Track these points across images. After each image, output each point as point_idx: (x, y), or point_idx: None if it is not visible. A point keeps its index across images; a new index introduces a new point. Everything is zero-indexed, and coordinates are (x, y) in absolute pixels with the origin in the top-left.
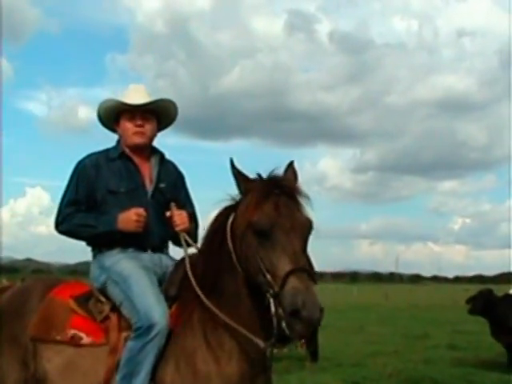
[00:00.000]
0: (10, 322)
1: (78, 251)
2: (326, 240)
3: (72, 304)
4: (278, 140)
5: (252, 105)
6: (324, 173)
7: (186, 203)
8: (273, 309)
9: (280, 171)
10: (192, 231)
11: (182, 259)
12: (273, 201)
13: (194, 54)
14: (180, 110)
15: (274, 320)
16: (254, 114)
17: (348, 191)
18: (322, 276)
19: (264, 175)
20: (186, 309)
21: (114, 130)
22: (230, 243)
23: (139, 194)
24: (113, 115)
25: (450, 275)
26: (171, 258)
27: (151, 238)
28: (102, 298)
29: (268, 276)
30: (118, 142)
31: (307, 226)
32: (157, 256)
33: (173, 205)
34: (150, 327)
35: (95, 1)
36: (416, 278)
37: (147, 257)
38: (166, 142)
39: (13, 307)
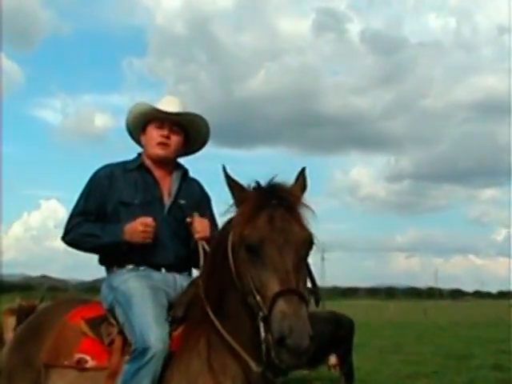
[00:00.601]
0: (26, 345)
1: (94, 267)
2: (360, 253)
3: (83, 326)
4: (306, 147)
5: (278, 110)
6: (357, 182)
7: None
8: (262, 334)
9: (283, 178)
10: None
11: (195, 278)
12: (267, 213)
13: (217, 57)
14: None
15: (263, 346)
16: (280, 120)
17: (382, 201)
18: (356, 292)
19: (263, 182)
20: (193, 331)
21: (138, 142)
22: (231, 259)
23: (155, 208)
24: (141, 122)
25: (494, 290)
26: (189, 278)
27: (165, 255)
28: (112, 320)
29: (258, 297)
30: (139, 154)
31: (305, 241)
32: (171, 276)
33: (195, 213)
34: (144, 350)
35: (111, 1)
36: (456, 294)
37: (159, 276)
38: None
39: (31, 330)
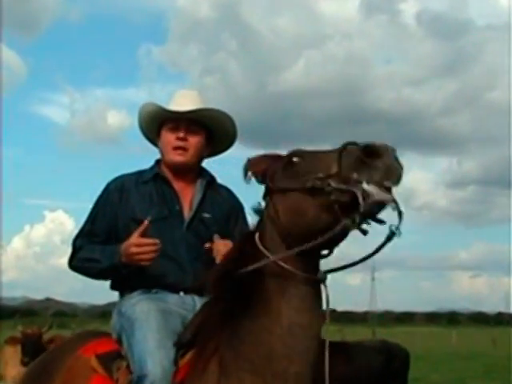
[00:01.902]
0: (39, 381)
1: (107, 289)
2: (416, 272)
3: (94, 362)
4: None
5: (320, 105)
6: (412, 188)
7: None
8: (343, 187)
9: None
10: None
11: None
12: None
13: (248, 44)
14: (231, 113)
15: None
16: (323, 117)
17: (443, 211)
18: (412, 317)
19: None
20: (202, 354)
21: (156, 144)
22: (264, 250)
23: (172, 224)
24: (154, 124)
25: None
26: None
27: (183, 278)
28: (123, 352)
29: (320, 174)
30: (157, 162)
31: None
32: (189, 298)
33: (216, 236)
34: (140, 378)
35: None
36: None
37: (175, 299)
38: None
39: (42, 366)
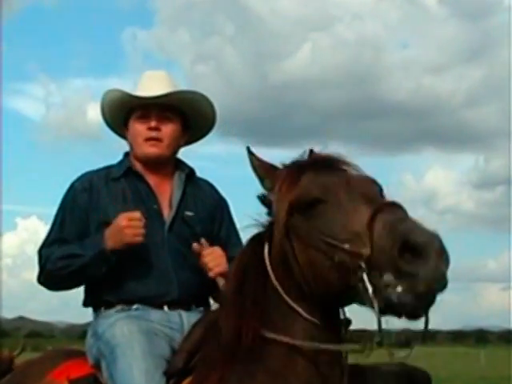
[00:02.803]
0: None
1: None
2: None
3: None
4: (366, 145)
5: (328, 97)
6: (433, 189)
7: (230, 242)
8: (369, 288)
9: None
10: None
11: (209, 312)
12: (312, 174)
13: (247, 28)
14: (228, 107)
15: (376, 304)
16: (332, 110)
17: (468, 215)
18: (435, 336)
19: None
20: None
21: (124, 136)
22: (274, 276)
23: (151, 226)
24: (120, 113)
25: None
26: (201, 313)
27: (167, 289)
28: (101, 379)
29: (346, 245)
30: (126, 154)
31: (373, 181)
32: (176, 314)
33: (203, 240)
34: None
35: None
36: None
37: (159, 316)
38: (209, 150)
39: None
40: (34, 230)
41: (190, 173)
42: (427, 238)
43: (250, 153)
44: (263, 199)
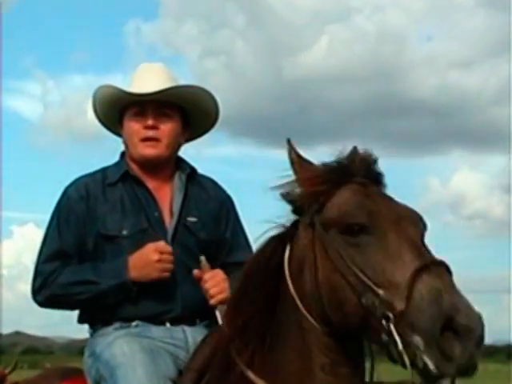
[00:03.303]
0: None
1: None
2: (467, 296)
3: None
4: (389, 146)
5: (347, 93)
6: (461, 193)
7: (236, 244)
8: (399, 344)
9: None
10: None
11: (217, 328)
12: (357, 189)
13: (259, 20)
14: (239, 105)
15: (406, 359)
16: (350, 108)
17: (498, 220)
18: None
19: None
20: None
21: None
22: (291, 284)
23: (154, 237)
24: (114, 111)
25: None
26: (208, 328)
27: (170, 304)
28: None
29: (380, 291)
30: (122, 155)
31: (419, 217)
32: (179, 330)
33: (203, 260)
34: None
35: None
36: None
37: (161, 332)
38: (218, 152)
39: None
40: (30, 238)
41: (191, 172)
42: (472, 322)
43: (290, 145)
44: (287, 196)
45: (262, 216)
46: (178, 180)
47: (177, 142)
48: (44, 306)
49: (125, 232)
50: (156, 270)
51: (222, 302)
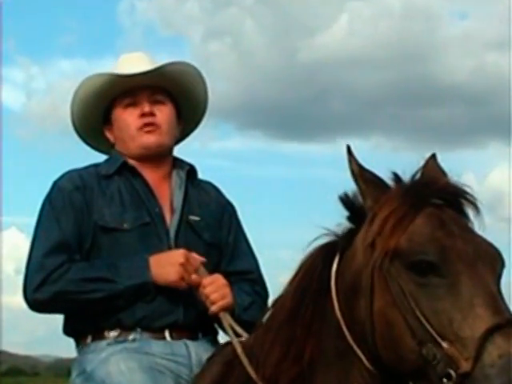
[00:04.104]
0: None
1: None
2: None
3: None
4: (418, 137)
5: (370, 79)
6: (500, 191)
7: (238, 255)
8: None
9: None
10: (241, 307)
11: (225, 345)
12: (432, 214)
13: None
14: (247, 92)
15: None
16: (375, 95)
17: None
18: None
19: (404, 177)
20: None
21: (97, 146)
22: (337, 305)
23: (156, 233)
24: (98, 110)
25: None
26: (212, 344)
27: (172, 308)
28: None
29: (444, 344)
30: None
31: (498, 257)
32: (181, 344)
33: (200, 265)
34: None
35: None
36: None
37: (161, 348)
38: (224, 146)
39: None
40: (13, 243)
41: (191, 170)
42: None
43: (351, 155)
44: (346, 200)
45: (274, 218)
46: (177, 177)
47: (174, 132)
48: (43, 307)
49: (126, 225)
50: (176, 273)
51: (224, 309)
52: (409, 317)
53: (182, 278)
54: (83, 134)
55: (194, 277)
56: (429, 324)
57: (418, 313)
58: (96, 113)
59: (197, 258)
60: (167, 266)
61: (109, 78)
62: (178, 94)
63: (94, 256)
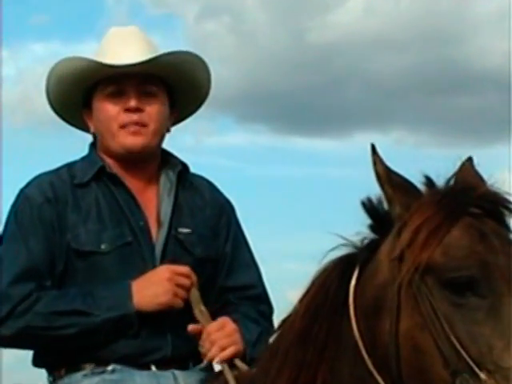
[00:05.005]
0: None
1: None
2: None
3: None
4: (446, 130)
5: (392, 63)
6: None
7: (238, 267)
8: None
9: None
10: (250, 344)
11: (219, 374)
12: (470, 225)
13: None
14: (249, 79)
15: None
16: (397, 81)
17: None
18: None
19: (437, 181)
20: None
21: (79, 126)
22: (356, 325)
23: (139, 252)
24: (77, 92)
25: None
26: (204, 373)
27: (158, 343)
28: None
29: (482, 375)
30: (92, 147)
31: None
32: (168, 375)
33: (197, 312)
34: None
35: None
36: None
37: (145, 379)
38: (224, 142)
39: None
40: None
41: (182, 169)
42: None
43: (375, 154)
44: (369, 206)
45: (279, 224)
46: (166, 179)
47: (164, 128)
48: (9, 343)
49: (103, 246)
50: (165, 292)
51: (235, 356)
52: (441, 342)
53: (175, 295)
54: (63, 115)
55: (192, 327)
56: (465, 351)
57: (453, 337)
58: (74, 95)
59: (183, 269)
60: (152, 286)
61: (92, 65)
62: (174, 83)
63: (68, 281)
